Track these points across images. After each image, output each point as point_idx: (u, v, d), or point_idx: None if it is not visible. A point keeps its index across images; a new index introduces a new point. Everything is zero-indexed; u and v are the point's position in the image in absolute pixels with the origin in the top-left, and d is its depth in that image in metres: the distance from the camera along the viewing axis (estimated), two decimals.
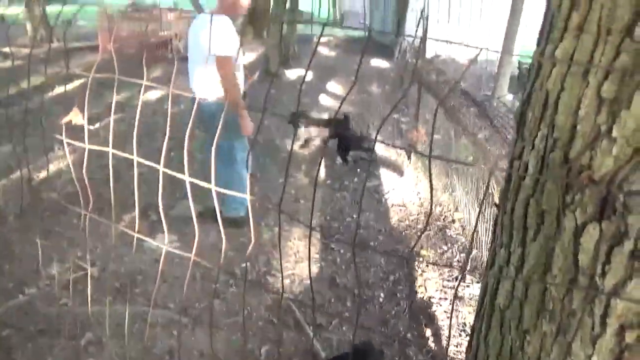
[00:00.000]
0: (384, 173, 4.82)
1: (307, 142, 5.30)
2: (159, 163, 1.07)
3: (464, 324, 2.72)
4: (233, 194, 1.11)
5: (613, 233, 0.86)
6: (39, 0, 10.71)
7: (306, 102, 7.22)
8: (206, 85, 3.09)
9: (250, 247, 1.80)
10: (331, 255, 3.34)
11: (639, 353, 0.86)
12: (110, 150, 1.10)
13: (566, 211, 0.93)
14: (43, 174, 3.95)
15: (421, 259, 3.33)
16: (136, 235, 1.14)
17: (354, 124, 5.58)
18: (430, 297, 2.93)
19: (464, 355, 2.43)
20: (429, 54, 9.21)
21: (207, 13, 3.15)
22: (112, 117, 1.31)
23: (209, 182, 0.97)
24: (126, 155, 1.10)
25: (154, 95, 6.84)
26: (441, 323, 2.74)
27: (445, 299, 2.92)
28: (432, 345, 2.60)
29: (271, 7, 10.39)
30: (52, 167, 4.30)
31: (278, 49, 8.57)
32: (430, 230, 3.67)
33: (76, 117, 1.41)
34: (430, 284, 3.07)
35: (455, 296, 2.93)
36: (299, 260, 3.26)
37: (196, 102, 1.31)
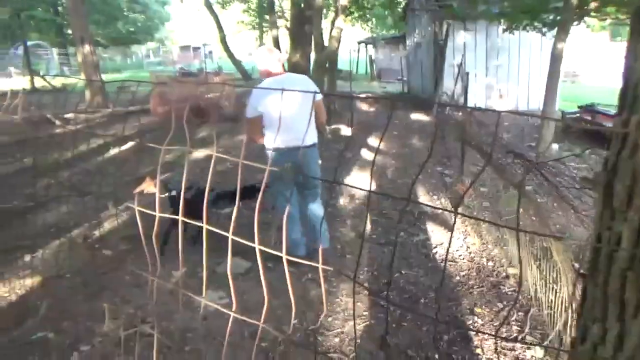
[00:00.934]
0: (431, 227, 4.73)
1: None
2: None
3: None
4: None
5: None
6: (96, 70, 11.61)
7: (348, 157, 7.31)
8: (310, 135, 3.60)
9: (320, 318, 1.77)
10: (381, 313, 3.24)
11: None
12: (180, 218, 1.14)
13: None
14: (98, 232, 4.10)
15: (476, 317, 3.18)
16: (181, 291, 1.15)
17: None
18: None
19: None
20: (468, 106, 9.25)
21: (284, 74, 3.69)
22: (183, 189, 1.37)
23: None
24: (191, 221, 1.14)
25: (201, 153, 7.11)
26: None
27: None
28: None
29: (311, 67, 10.82)
30: (107, 225, 4.47)
31: None
32: (483, 286, 3.53)
33: (148, 187, 1.47)
34: (488, 344, 2.91)
35: None
36: (348, 318, 3.18)
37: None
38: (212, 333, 2.93)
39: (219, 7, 26.12)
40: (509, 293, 3.45)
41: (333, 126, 9.48)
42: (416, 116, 10.89)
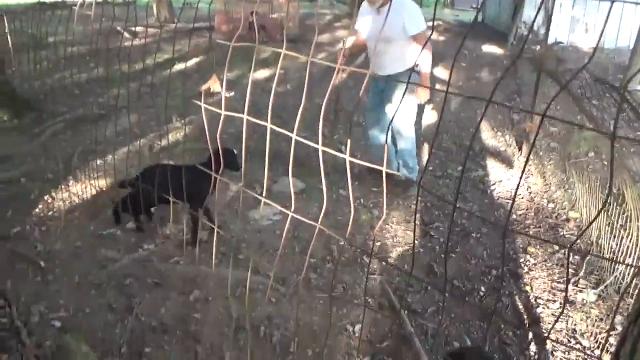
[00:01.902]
0: (491, 164, 4.56)
1: None
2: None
3: (574, 330, 2.51)
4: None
5: None
6: None
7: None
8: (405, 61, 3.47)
9: (379, 223, 1.79)
10: (430, 243, 3.24)
11: None
12: (245, 117, 1.14)
13: None
14: (163, 143, 4.28)
15: (528, 257, 3.12)
16: (263, 199, 1.17)
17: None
18: (537, 298, 2.74)
19: None
20: (549, 41, 8.51)
21: None
22: (250, 86, 1.37)
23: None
24: (260, 122, 1.13)
25: (262, 74, 7.09)
26: (547, 327, 2.54)
27: (554, 301, 2.71)
28: (534, 349, 2.43)
29: None
30: (171, 137, 4.65)
31: None
32: (540, 227, 3.42)
33: (214, 84, 1.48)
34: (537, 283, 2.87)
35: (566, 300, 2.70)
36: (396, 245, 3.21)
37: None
38: (265, 246, 3.06)
39: None
40: (567, 236, 3.33)
41: None
42: (489, 48, 10.19)
